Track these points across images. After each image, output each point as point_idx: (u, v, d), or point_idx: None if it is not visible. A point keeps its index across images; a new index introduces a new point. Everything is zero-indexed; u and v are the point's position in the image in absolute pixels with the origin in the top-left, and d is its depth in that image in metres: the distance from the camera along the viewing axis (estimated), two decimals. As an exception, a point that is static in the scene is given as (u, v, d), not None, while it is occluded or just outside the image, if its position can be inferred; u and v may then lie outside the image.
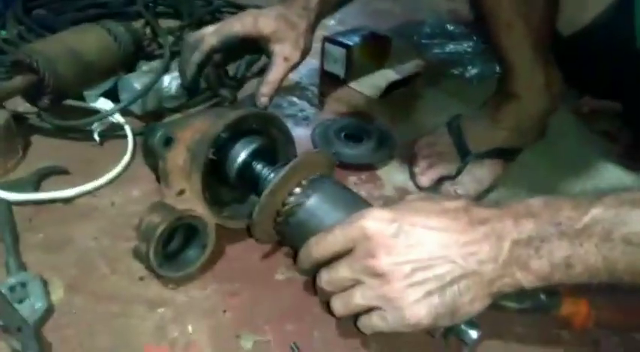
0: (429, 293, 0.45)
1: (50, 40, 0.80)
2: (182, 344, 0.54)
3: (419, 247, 0.46)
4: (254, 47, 0.78)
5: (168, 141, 0.60)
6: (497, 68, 1.11)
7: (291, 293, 0.61)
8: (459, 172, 0.78)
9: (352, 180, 0.80)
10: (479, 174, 0.78)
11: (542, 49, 0.74)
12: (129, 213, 0.69)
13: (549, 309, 0.58)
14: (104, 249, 0.63)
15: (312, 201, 0.57)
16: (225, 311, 0.58)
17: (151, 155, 0.68)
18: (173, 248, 0.60)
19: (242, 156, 0.62)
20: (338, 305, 0.51)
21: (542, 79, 0.75)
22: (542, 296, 0.58)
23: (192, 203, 0.58)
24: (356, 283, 0.49)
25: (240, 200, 0.67)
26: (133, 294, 0.58)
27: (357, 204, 0.57)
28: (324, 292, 0.52)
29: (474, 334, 0.51)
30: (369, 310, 0.49)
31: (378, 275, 0.47)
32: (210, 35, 0.75)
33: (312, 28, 0.78)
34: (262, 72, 0.83)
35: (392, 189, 0.80)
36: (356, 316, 0.51)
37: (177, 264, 0.59)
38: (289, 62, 0.76)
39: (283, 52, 0.75)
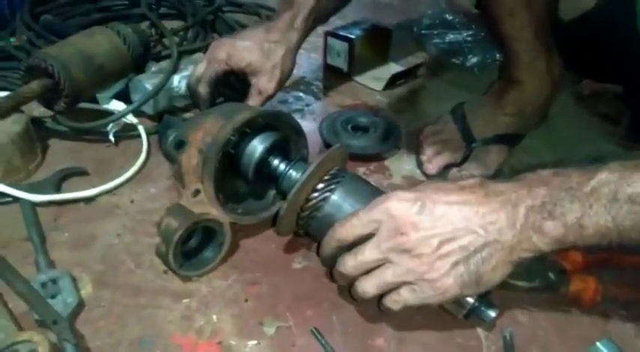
0: (455, 264, 0.47)
1: (62, 44, 0.82)
2: (208, 332, 0.56)
3: (442, 221, 0.48)
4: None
5: (180, 144, 0.62)
6: (498, 56, 1.14)
7: (308, 280, 0.63)
8: (464, 159, 0.81)
9: (361, 170, 0.82)
10: (484, 160, 0.81)
11: (543, 35, 0.75)
12: (148, 209, 0.71)
13: (558, 287, 0.60)
14: (127, 245, 0.66)
15: (337, 195, 0.59)
16: (247, 300, 0.60)
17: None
18: (192, 246, 0.62)
19: (259, 152, 0.63)
20: (368, 286, 0.51)
21: (544, 65, 0.77)
22: (551, 275, 0.60)
23: (207, 204, 0.60)
24: (382, 263, 0.50)
25: (257, 194, 0.69)
26: (158, 287, 0.61)
27: (378, 193, 0.59)
28: (347, 277, 0.53)
29: (492, 313, 0.54)
30: (396, 287, 0.51)
31: (407, 250, 0.49)
32: (200, 86, 0.81)
33: (294, 48, 0.81)
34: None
35: (400, 178, 0.82)
36: (380, 297, 0.52)
37: (197, 264, 0.62)
38: (263, 95, 0.80)
39: (258, 85, 0.80)
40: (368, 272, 0.51)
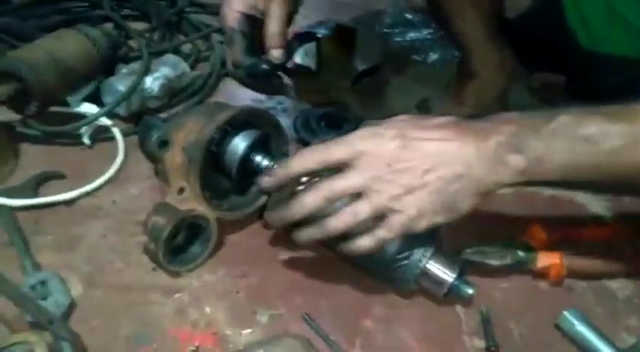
0: (433, 192, 0.51)
1: (30, 47, 0.81)
2: (203, 324, 0.58)
3: (421, 153, 0.51)
4: None
5: (163, 144, 0.63)
6: (456, 53, 1.20)
7: (294, 270, 0.66)
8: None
9: (337, 164, 0.85)
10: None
11: (493, 30, 0.82)
12: (131, 209, 0.72)
13: (527, 264, 0.65)
14: (113, 245, 0.66)
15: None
16: (238, 292, 0.62)
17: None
18: (178, 242, 0.63)
19: (241, 149, 0.64)
20: (344, 216, 0.52)
21: (497, 57, 0.83)
22: (520, 253, 0.65)
23: (193, 202, 0.62)
24: (365, 195, 0.51)
25: (239, 190, 0.71)
26: (148, 283, 0.62)
27: None
28: (307, 206, 0.53)
29: (469, 290, 0.58)
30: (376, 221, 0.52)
31: (384, 179, 0.51)
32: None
33: None
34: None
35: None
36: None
37: (185, 259, 0.63)
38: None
39: None
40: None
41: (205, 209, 0.63)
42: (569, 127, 0.49)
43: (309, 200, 0.53)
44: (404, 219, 0.52)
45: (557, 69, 1.07)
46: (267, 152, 0.67)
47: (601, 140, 0.48)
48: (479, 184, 0.51)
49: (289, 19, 0.69)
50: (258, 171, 0.65)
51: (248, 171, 0.66)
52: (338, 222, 0.52)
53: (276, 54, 0.68)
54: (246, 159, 0.65)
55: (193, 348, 0.55)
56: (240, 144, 0.65)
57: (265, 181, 0.56)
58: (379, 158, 0.51)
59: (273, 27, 0.67)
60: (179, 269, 0.63)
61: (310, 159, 0.54)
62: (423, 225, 0.52)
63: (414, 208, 0.51)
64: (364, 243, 0.53)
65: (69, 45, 0.84)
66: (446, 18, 0.80)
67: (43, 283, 0.58)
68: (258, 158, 0.66)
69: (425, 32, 1.26)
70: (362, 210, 0.52)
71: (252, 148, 0.66)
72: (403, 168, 0.51)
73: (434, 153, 0.51)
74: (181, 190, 0.63)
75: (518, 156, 0.50)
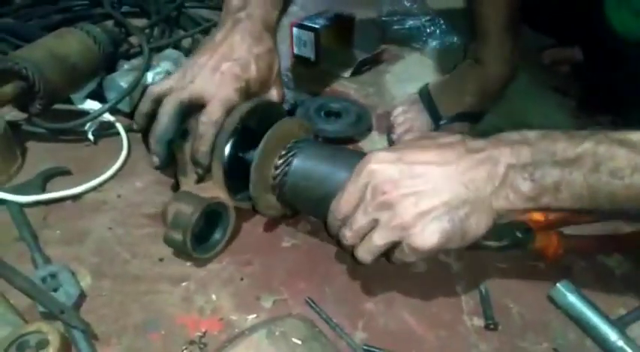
0: (438, 219, 0.49)
1: (33, 46, 0.82)
2: (209, 310, 0.60)
3: (422, 179, 0.50)
4: None
5: (184, 134, 0.64)
6: (455, 39, 1.21)
7: (297, 257, 0.67)
8: (432, 135, 0.86)
9: (337, 153, 0.86)
10: (450, 136, 0.86)
11: (515, 21, 0.80)
12: (136, 203, 0.73)
13: (525, 244, 0.66)
14: (120, 237, 0.68)
15: (294, 166, 0.62)
16: (242, 279, 0.64)
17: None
18: (197, 231, 0.64)
19: (227, 152, 0.64)
20: (362, 253, 0.53)
21: (509, 48, 0.82)
22: (518, 234, 0.66)
23: (213, 189, 0.63)
24: (372, 225, 0.53)
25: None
26: (155, 273, 0.64)
27: (337, 152, 0.62)
28: (349, 248, 0.55)
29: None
30: (392, 248, 0.52)
31: (389, 207, 0.50)
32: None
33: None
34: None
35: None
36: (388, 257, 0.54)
37: (206, 247, 0.65)
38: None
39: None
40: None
41: (226, 196, 0.65)
42: (595, 158, 0.46)
43: (344, 246, 0.56)
44: (415, 246, 0.50)
45: (577, 42, 1.06)
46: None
47: (628, 175, 0.46)
48: (488, 209, 0.50)
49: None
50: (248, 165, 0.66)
51: (241, 170, 0.67)
52: (362, 257, 0.54)
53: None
54: (233, 159, 0.65)
55: (200, 334, 0.57)
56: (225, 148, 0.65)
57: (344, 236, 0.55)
58: (379, 186, 0.51)
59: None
60: (202, 256, 0.64)
61: (338, 216, 0.55)
62: (435, 251, 0.51)
63: (423, 238, 0.50)
64: (393, 258, 0.53)
65: (71, 43, 0.85)
66: None
67: (53, 275, 0.60)
68: (247, 156, 0.65)
69: (423, 20, 1.27)
70: (376, 245, 0.52)
71: (238, 147, 0.65)
72: (404, 193, 0.50)
73: (435, 178, 0.50)
74: (199, 180, 0.65)
75: (531, 183, 0.48)
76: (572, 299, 0.60)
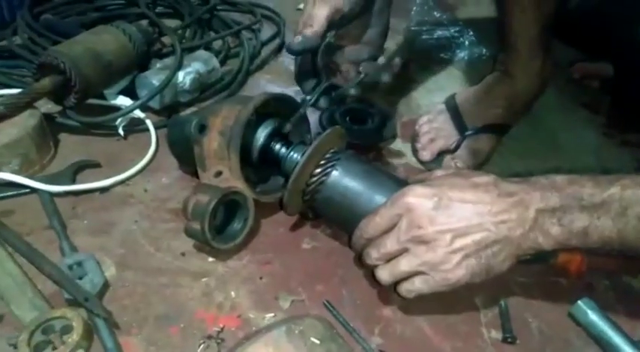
0: (468, 257, 0.52)
1: (71, 42, 0.85)
2: (228, 307, 0.61)
3: (457, 217, 0.52)
4: None
5: (202, 128, 0.66)
6: (484, 51, 1.20)
7: (317, 259, 0.68)
8: (457, 146, 0.86)
9: (360, 159, 0.87)
10: (475, 148, 0.86)
11: (546, 35, 0.79)
12: (162, 198, 0.75)
13: (547, 259, 0.65)
14: (145, 231, 0.70)
15: (332, 178, 0.63)
16: (261, 278, 0.65)
17: (178, 144, 0.75)
18: (217, 223, 0.65)
19: (261, 138, 0.68)
20: (384, 274, 0.56)
21: (539, 63, 0.81)
22: (541, 248, 0.66)
23: (231, 181, 0.65)
24: (401, 253, 0.55)
25: (264, 179, 0.73)
26: (177, 268, 0.65)
27: (374, 172, 0.63)
28: (371, 266, 0.57)
29: None
30: (410, 276, 0.55)
31: (424, 242, 0.53)
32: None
33: None
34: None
35: (397, 165, 0.87)
36: (395, 284, 0.57)
37: (225, 238, 0.65)
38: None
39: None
40: (390, 260, 0.55)
41: (244, 186, 0.66)
42: (622, 202, 0.48)
43: (365, 263, 0.58)
44: (440, 279, 0.53)
45: (607, 57, 1.05)
46: (286, 140, 0.69)
47: None
48: (517, 249, 0.52)
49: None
50: (279, 159, 0.68)
51: (269, 159, 0.68)
52: (383, 277, 0.56)
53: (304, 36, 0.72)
54: (266, 148, 0.68)
55: (218, 329, 0.58)
56: (260, 134, 0.68)
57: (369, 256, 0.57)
58: (415, 220, 0.53)
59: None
60: (222, 246, 0.65)
61: (366, 235, 0.57)
62: (460, 285, 0.54)
63: (450, 273, 0.53)
64: (403, 288, 0.56)
65: (107, 41, 0.88)
66: (507, 11, 0.78)
67: (79, 264, 0.62)
68: (277, 146, 0.68)
69: (452, 30, 1.27)
70: (401, 271, 0.55)
71: (272, 137, 0.68)
72: (439, 230, 0.52)
73: (469, 217, 0.52)
74: (218, 173, 0.66)
75: (560, 228, 0.50)
76: (594, 317, 0.59)
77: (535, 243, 0.52)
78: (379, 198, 0.59)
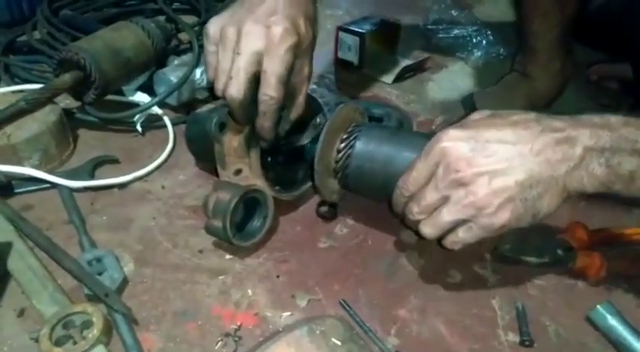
0: (512, 199, 0.48)
1: (91, 38, 0.86)
2: (245, 304, 0.61)
3: (496, 157, 0.49)
4: None
5: (222, 127, 0.66)
6: (501, 50, 1.19)
7: (334, 258, 0.68)
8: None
9: (376, 158, 0.87)
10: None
11: (566, 38, 0.79)
12: (179, 194, 0.76)
13: (566, 263, 0.65)
14: (163, 227, 0.70)
15: (358, 148, 0.62)
16: (278, 276, 0.65)
17: (196, 141, 0.75)
18: (236, 221, 0.65)
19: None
20: (428, 228, 0.53)
21: (559, 65, 0.81)
22: (559, 252, 0.65)
23: (251, 180, 0.65)
24: (442, 203, 0.51)
25: (283, 179, 0.73)
26: (195, 265, 0.65)
27: (399, 133, 0.62)
28: (415, 223, 0.54)
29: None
30: (454, 228, 0.52)
31: (463, 185, 0.49)
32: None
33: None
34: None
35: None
36: (439, 240, 0.54)
37: (245, 235, 0.66)
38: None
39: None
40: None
41: (264, 184, 0.66)
42: None
43: (409, 221, 0.55)
44: (485, 225, 0.50)
45: (627, 59, 1.03)
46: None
47: None
48: (561, 190, 0.49)
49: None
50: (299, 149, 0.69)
51: (292, 152, 0.69)
52: (427, 232, 0.53)
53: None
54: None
55: (236, 327, 0.58)
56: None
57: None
58: (452, 164, 0.50)
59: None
60: (242, 243, 0.65)
61: (405, 193, 0.54)
62: (504, 229, 0.50)
63: (494, 217, 0.49)
64: (448, 240, 0.53)
65: (127, 37, 0.88)
66: (527, 15, 0.77)
67: (99, 259, 0.62)
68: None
69: (469, 29, 1.26)
70: (444, 221, 0.51)
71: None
72: (478, 172, 0.49)
73: (509, 157, 0.49)
74: (238, 171, 0.66)
75: (607, 169, 0.47)
76: (613, 322, 0.59)
77: (579, 183, 0.48)
78: (410, 155, 0.56)
